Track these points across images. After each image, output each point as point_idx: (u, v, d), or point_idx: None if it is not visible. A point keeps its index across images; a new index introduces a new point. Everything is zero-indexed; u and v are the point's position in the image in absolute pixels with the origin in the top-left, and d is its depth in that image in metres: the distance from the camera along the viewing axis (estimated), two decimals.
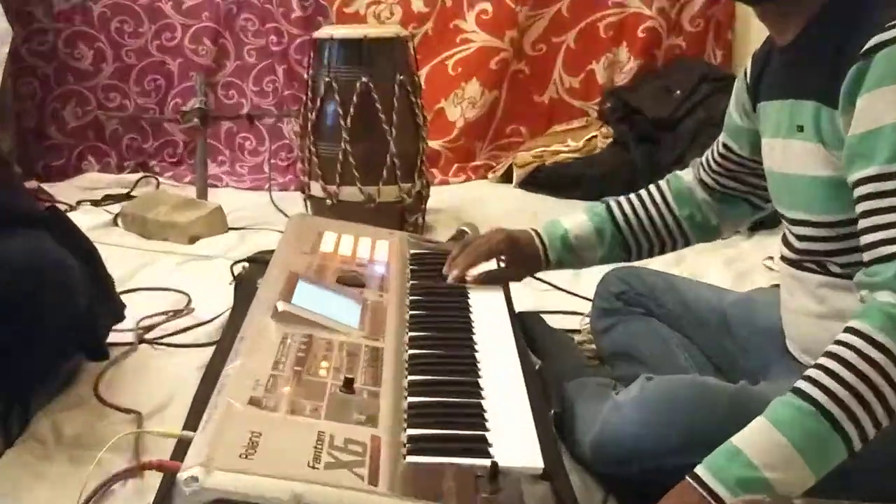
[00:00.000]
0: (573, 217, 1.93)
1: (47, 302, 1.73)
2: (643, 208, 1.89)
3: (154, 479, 1.31)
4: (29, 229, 1.83)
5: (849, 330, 1.28)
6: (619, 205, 1.90)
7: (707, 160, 1.84)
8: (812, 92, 1.43)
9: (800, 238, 1.53)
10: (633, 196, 1.91)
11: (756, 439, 1.26)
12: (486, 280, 1.85)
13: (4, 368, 1.73)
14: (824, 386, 1.25)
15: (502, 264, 1.92)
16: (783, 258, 1.60)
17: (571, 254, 1.90)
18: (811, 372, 1.28)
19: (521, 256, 1.90)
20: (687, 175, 1.89)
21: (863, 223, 1.32)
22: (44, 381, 1.91)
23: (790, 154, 1.50)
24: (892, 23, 1.30)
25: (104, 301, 2.06)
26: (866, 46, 1.31)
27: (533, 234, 1.92)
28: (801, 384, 1.27)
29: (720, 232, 1.91)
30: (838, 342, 1.28)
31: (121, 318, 2.12)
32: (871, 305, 1.28)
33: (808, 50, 1.46)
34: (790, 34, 1.49)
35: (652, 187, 1.90)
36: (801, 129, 1.47)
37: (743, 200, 1.83)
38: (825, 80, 1.39)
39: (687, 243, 1.91)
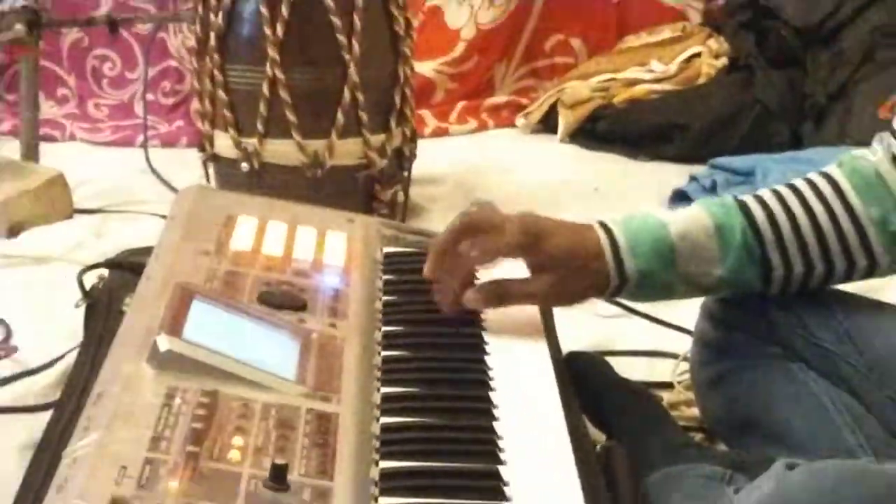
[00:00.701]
0: (677, 211, 1.92)
1: None
2: (802, 205, 1.85)
3: None
4: None
5: None
6: (760, 199, 1.87)
7: None
8: None
9: None
10: (781, 187, 1.88)
11: None
12: (508, 298, 1.86)
13: None
14: None
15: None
16: None
17: (668, 266, 1.85)
18: None
19: (562, 259, 1.87)
20: (872, 154, 1.86)
21: None
22: None
23: None
24: None
25: None
26: None
27: (597, 227, 1.87)
28: None
29: None
30: None
31: None
32: None
33: None
34: None
35: (814, 175, 1.87)
36: None
37: None
38: None
39: (871, 267, 1.86)
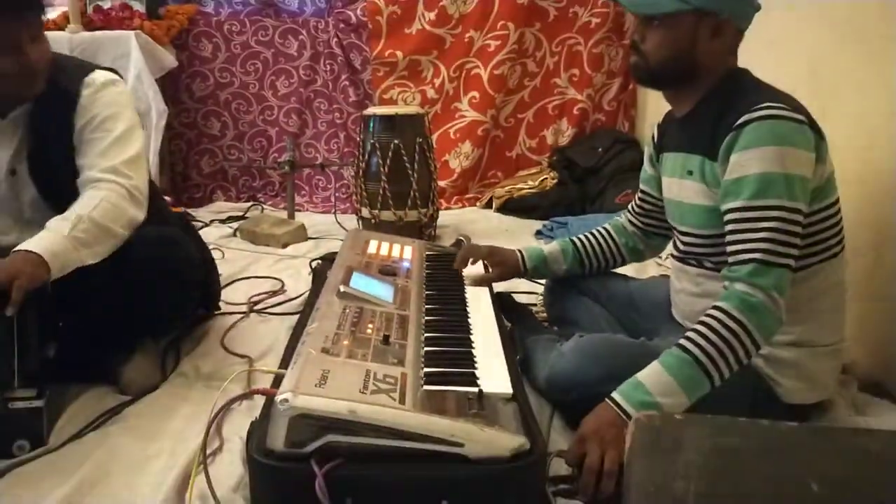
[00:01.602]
0: (548, 244, 1.91)
1: (181, 260, 1.70)
2: (594, 238, 1.83)
3: (260, 401, 1.31)
4: (166, 225, 1.81)
5: (716, 307, 1.29)
6: (579, 238, 1.85)
7: (632, 206, 1.81)
8: (699, 149, 1.44)
9: (685, 244, 1.54)
10: (588, 233, 1.85)
11: (652, 376, 1.27)
12: (476, 280, 1.82)
13: (158, 319, 1.72)
14: (698, 344, 1.27)
15: (489, 269, 1.88)
16: (673, 256, 1.60)
17: (544, 265, 1.83)
18: (689, 334, 1.28)
19: (501, 263, 1.85)
20: (621, 218, 1.85)
21: (729, 237, 1.33)
22: (181, 325, 1.91)
23: (683, 189, 1.51)
24: (755, 107, 1.32)
25: (215, 273, 2.08)
26: (738, 122, 1.32)
27: (517, 251, 1.86)
28: (682, 341, 1.28)
29: (645, 255, 1.85)
30: (708, 315, 1.28)
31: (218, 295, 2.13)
32: (731, 291, 1.29)
33: (697, 120, 1.46)
34: (685, 109, 1.50)
35: (599, 227, 1.85)
36: (690, 173, 1.47)
37: (657, 235, 1.78)
38: (709, 141, 1.40)
39: (623, 262, 1.84)
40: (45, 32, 1.56)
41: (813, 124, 1.35)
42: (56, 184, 1.58)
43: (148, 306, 1.64)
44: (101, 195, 1.52)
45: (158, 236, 1.64)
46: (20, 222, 1.64)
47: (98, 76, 1.63)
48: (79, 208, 1.50)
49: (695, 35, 1.40)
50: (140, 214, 1.60)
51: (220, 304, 2.16)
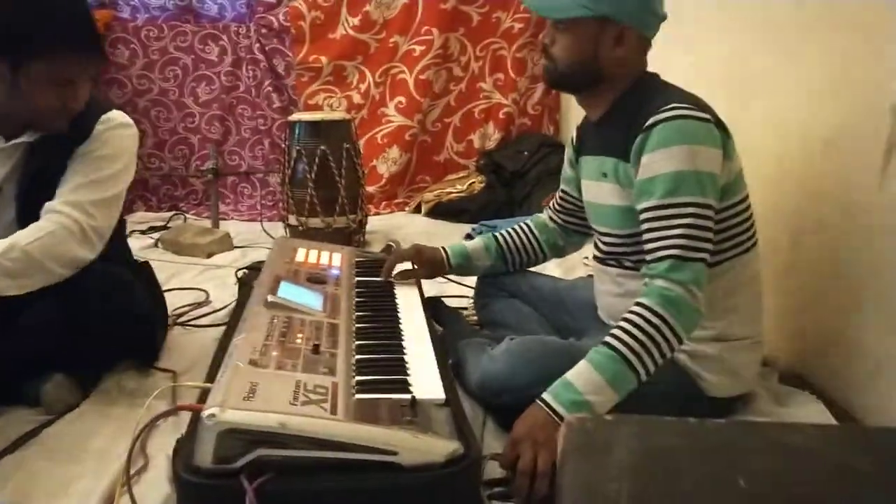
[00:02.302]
0: (471, 241, 1.91)
1: (120, 302, 1.64)
2: (516, 234, 1.86)
3: (186, 417, 1.27)
4: (122, 267, 1.75)
5: (637, 304, 1.31)
6: (501, 233, 1.87)
7: (553, 204, 1.83)
8: (613, 151, 1.46)
9: (605, 244, 1.56)
10: (510, 228, 1.88)
11: (581, 375, 1.28)
12: (403, 277, 1.82)
13: (84, 358, 1.66)
14: (622, 340, 1.29)
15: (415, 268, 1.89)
16: (595, 257, 1.63)
17: (467, 261, 1.85)
18: (614, 331, 1.30)
19: (427, 262, 1.86)
20: (543, 215, 1.87)
21: (646, 236, 1.35)
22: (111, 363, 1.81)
23: (600, 191, 1.53)
24: (663, 108, 1.34)
25: (163, 320, 1.98)
26: (647, 123, 1.34)
27: (441, 248, 1.87)
28: (608, 339, 1.30)
29: (565, 251, 1.88)
30: (631, 311, 1.30)
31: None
32: (650, 288, 1.31)
33: (610, 124, 1.49)
34: (599, 113, 1.52)
35: (521, 223, 1.88)
36: (605, 175, 1.49)
37: (576, 232, 1.82)
38: (621, 144, 1.42)
39: (545, 258, 1.87)
40: None
41: (719, 122, 1.39)
42: (36, 209, 1.55)
43: (80, 343, 1.59)
44: (49, 228, 1.50)
45: (104, 275, 1.60)
46: None
47: (115, 116, 1.65)
48: (19, 236, 1.47)
49: (598, 41, 1.43)
50: (88, 255, 1.57)
51: None
